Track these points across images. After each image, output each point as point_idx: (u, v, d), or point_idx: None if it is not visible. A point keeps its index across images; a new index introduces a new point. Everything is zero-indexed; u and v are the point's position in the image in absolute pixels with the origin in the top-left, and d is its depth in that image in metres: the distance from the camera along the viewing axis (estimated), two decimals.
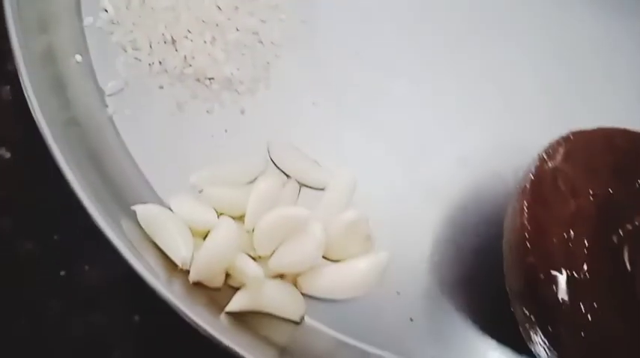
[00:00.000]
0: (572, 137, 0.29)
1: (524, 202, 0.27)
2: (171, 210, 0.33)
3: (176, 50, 0.36)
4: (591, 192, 0.28)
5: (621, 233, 0.28)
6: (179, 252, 0.31)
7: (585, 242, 0.27)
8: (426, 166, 0.36)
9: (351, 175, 0.35)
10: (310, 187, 0.35)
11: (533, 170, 0.28)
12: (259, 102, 0.37)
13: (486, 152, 0.37)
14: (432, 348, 0.33)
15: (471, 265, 0.35)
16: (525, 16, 0.40)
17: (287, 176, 0.35)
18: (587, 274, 0.27)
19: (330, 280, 0.33)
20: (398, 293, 0.34)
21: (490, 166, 0.36)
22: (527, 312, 0.26)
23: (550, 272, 0.26)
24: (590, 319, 0.26)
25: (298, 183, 0.35)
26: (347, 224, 0.33)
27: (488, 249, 0.34)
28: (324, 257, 0.33)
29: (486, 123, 0.37)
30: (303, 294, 0.33)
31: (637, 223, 0.29)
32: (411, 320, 0.34)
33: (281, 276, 0.33)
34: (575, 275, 0.26)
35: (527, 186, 0.27)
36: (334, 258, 0.33)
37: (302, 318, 0.33)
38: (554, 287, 0.25)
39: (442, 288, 0.34)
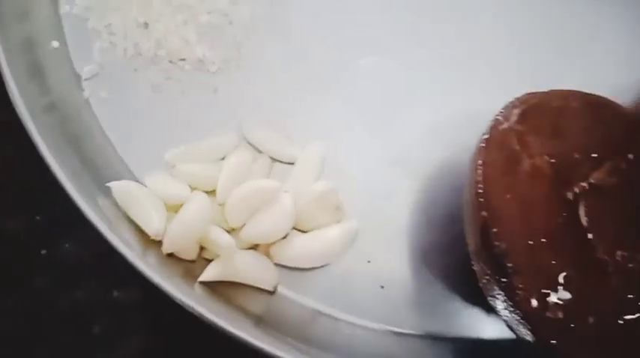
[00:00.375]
0: (527, 98, 0.30)
1: (478, 161, 0.28)
2: (146, 187, 0.34)
3: (149, 34, 0.37)
4: (546, 152, 0.29)
5: (576, 190, 0.29)
6: (152, 224, 0.32)
7: (540, 198, 0.28)
8: (397, 137, 0.37)
9: (320, 148, 0.35)
10: (282, 162, 0.36)
11: (488, 130, 0.29)
12: (231, 81, 0.38)
13: (457, 122, 0.37)
14: (403, 314, 0.34)
15: (441, 233, 0.36)
16: None
17: (259, 151, 0.36)
18: (541, 228, 0.27)
19: (302, 250, 0.34)
20: (369, 261, 0.35)
21: (461, 136, 0.37)
22: (483, 266, 0.27)
23: (503, 226, 0.26)
24: (544, 271, 0.27)
25: (270, 157, 0.36)
26: (317, 195, 0.34)
27: (458, 217, 0.34)
28: (295, 227, 0.34)
29: (457, 95, 0.38)
30: (276, 264, 0.34)
31: (592, 181, 0.29)
32: (382, 287, 0.34)
33: (254, 248, 0.34)
34: (529, 229, 0.27)
35: (482, 145, 0.28)
36: (305, 228, 0.34)
37: (275, 288, 0.34)
38: (506, 240, 0.26)
39: (412, 256, 0.35)
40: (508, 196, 0.27)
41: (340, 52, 0.38)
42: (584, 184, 0.29)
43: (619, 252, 0.28)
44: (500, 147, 0.28)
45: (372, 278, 0.35)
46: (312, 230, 0.34)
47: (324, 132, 0.37)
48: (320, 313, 0.34)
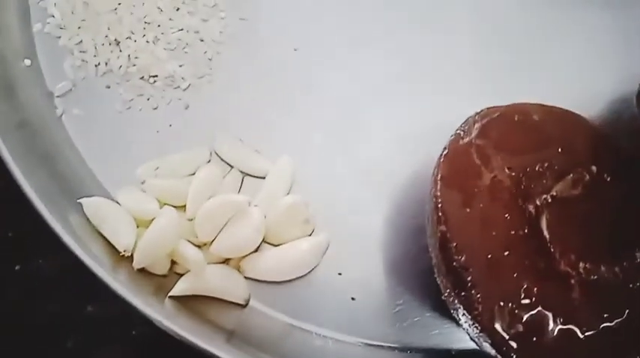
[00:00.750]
0: (488, 112, 0.30)
1: (438, 175, 0.28)
2: (118, 202, 0.34)
3: (120, 51, 0.38)
4: (507, 165, 0.30)
5: (538, 203, 0.29)
6: (122, 240, 0.32)
7: (501, 212, 0.28)
8: (364, 150, 0.37)
9: (289, 162, 0.36)
10: (252, 176, 0.36)
11: (447, 145, 0.29)
12: (202, 97, 0.38)
13: (426, 134, 0.37)
14: (375, 326, 0.34)
15: (411, 244, 0.36)
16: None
17: (230, 166, 0.36)
18: (502, 242, 0.28)
19: (272, 263, 0.34)
20: (340, 273, 0.35)
21: (429, 148, 0.37)
22: (443, 280, 0.28)
23: (462, 240, 0.27)
24: (504, 285, 0.27)
25: (240, 172, 0.36)
26: (286, 208, 0.34)
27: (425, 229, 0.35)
28: (266, 241, 0.34)
29: (425, 107, 0.38)
30: (247, 278, 0.34)
31: (554, 193, 0.30)
32: (353, 299, 0.35)
33: (225, 261, 0.34)
34: (489, 242, 0.27)
35: (442, 159, 0.29)
36: (276, 242, 0.35)
37: (247, 301, 0.34)
38: (465, 254, 0.27)
39: (383, 267, 0.35)
40: (467, 210, 0.28)
41: (309, 67, 0.39)
42: (546, 197, 0.30)
43: (582, 264, 0.29)
44: (459, 161, 0.29)
45: (343, 290, 0.35)
46: (282, 243, 0.35)
47: (294, 146, 0.37)
48: (292, 326, 0.34)
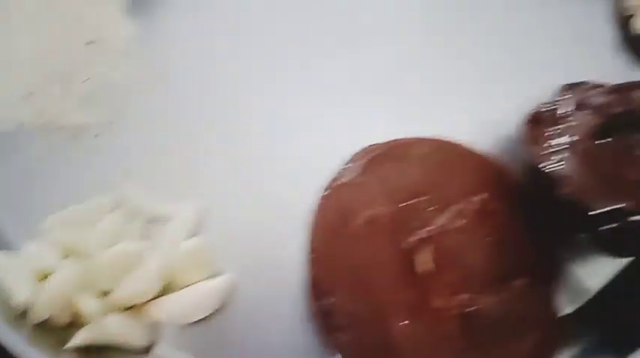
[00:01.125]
0: (370, 150, 0.31)
1: (314, 218, 0.28)
2: (20, 255, 0.34)
3: (29, 103, 0.38)
4: (385, 202, 0.30)
5: (416, 238, 0.30)
6: (19, 294, 0.32)
7: (374, 251, 0.29)
8: (274, 188, 0.37)
9: (192, 207, 0.36)
10: (157, 220, 0.36)
11: (328, 185, 0.29)
12: (110, 145, 0.39)
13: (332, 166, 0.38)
14: None
15: None
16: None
17: (135, 212, 0.37)
18: (375, 282, 0.28)
19: (175, 306, 0.34)
20: (250, 313, 0.35)
21: None
22: (316, 321, 0.28)
23: (330, 282, 0.27)
24: (374, 325, 0.27)
25: (146, 217, 0.36)
26: (186, 252, 0.35)
27: None
28: (170, 285, 0.35)
29: (334, 138, 0.38)
30: (154, 322, 0.34)
31: (434, 226, 0.30)
32: (262, 338, 0.35)
33: (133, 307, 0.34)
34: (360, 283, 0.28)
35: (320, 201, 0.29)
36: (179, 285, 0.35)
37: (150, 347, 0.34)
38: (334, 296, 0.27)
39: (294, 305, 0.35)
40: (339, 251, 0.28)
41: (218, 112, 0.40)
42: (426, 231, 0.30)
43: (460, 296, 0.29)
44: (335, 203, 0.29)
45: (253, 330, 0.35)
46: (185, 285, 0.35)
47: (202, 189, 0.38)
48: None
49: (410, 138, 0.32)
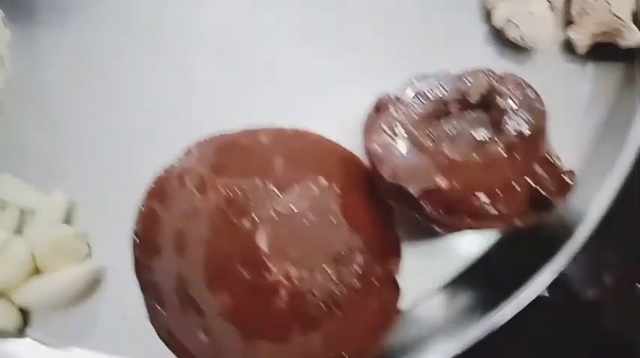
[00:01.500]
0: (204, 141, 0.32)
1: (143, 200, 0.30)
2: None
3: None
4: (224, 187, 0.31)
5: (257, 219, 0.31)
6: None
7: (209, 231, 0.30)
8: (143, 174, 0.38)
9: (61, 195, 0.38)
10: (27, 210, 0.38)
11: (161, 172, 0.31)
12: None
13: None
14: (151, 345, 0.36)
15: None
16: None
17: (6, 201, 0.38)
18: (206, 259, 0.29)
19: (44, 290, 0.36)
20: (118, 296, 0.36)
21: None
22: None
23: (150, 258, 0.28)
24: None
25: (18, 207, 0.38)
26: (54, 239, 0.36)
27: None
28: (38, 270, 0.36)
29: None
30: (23, 308, 0.36)
31: (276, 208, 0.32)
32: (124, 319, 0.36)
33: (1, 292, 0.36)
34: (191, 261, 0.29)
35: (152, 186, 0.30)
36: (48, 271, 0.36)
37: (21, 331, 0.35)
38: (156, 273, 0.28)
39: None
40: (168, 231, 0.29)
41: (93, 109, 0.41)
42: (267, 212, 0.31)
43: (294, 271, 0.30)
44: (170, 185, 0.30)
45: (121, 312, 0.36)
46: (53, 271, 0.36)
47: (71, 178, 0.39)
48: (71, 352, 0.36)
49: (256, 128, 0.34)
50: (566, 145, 0.37)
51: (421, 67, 0.38)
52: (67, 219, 0.38)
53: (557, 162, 0.32)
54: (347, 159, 0.34)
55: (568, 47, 0.40)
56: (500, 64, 0.40)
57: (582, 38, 0.39)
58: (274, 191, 0.32)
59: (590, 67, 0.40)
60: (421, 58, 0.40)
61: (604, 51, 0.40)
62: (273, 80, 0.40)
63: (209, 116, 0.38)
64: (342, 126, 0.37)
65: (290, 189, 0.32)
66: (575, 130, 0.39)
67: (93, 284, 0.37)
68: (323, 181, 0.33)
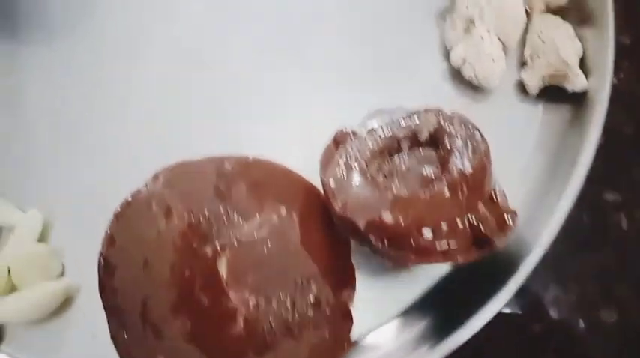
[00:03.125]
0: (171, 167, 0.34)
1: (110, 224, 0.32)
2: None
3: None
4: (187, 212, 0.33)
5: (217, 245, 0.33)
6: None
7: (170, 256, 0.32)
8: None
9: (37, 213, 0.40)
10: (6, 227, 0.40)
11: (128, 196, 0.33)
12: None
13: None
14: None
15: None
16: None
17: None
18: (165, 283, 0.31)
19: (16, 306, 0.38)
20: (90, 313, 0.38)
21: None
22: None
23: (113, 281, 0.31)
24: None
25: None
26: (30, 255, 0.38)
27: None
28: (12, 286, 0.38)
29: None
30: None
31: (237, 236, 0.34)
32: (94, 336, 0.38)
33: None
34: (150, 284, 0.31)
35: (119, 209, 0.32)
36: (22, 287, 0.38)
37: None
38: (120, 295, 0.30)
39: None
40: (131, 253, 0.31)
41: (71, 122, 0.43)
42: (227, 239, 0.33)
43: (251, 298, 0.32)
44: (137, 210, 0.32)
45: (85, 328, 0.38)
46: (26, 287, 0.38)
47: (48, 196, 0.41)
48: None
49: (220, 156, 0.36)
50: (514, 181, 0.40)
51: (382, 100, 0.41)
52: (42, 237, 0.40)
53: (502, 200, 0.34)
54: (307, 189, 0.37)
55: (521, 88, 0.43)
56: (458, 101, 0.43)
57: (533, 80, 0.42)
58: (236, 219, 0.34)
59: (540, 108, 0.43)
60: (383, 91, 0.42)
61: (554, 92, 0.42)
62: (239, 109, 0.43)
63: (178, 141, 0.40)
64: (303, 157, 0.39)
65: (251, 218, 0.35)
66: (523, 167, 0.42)
67: (65, 301, 0.39)
68: (283, 211, 0.35)
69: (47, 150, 0.42)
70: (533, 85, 0.42)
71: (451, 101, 0.43)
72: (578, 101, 0.41)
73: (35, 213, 0.40)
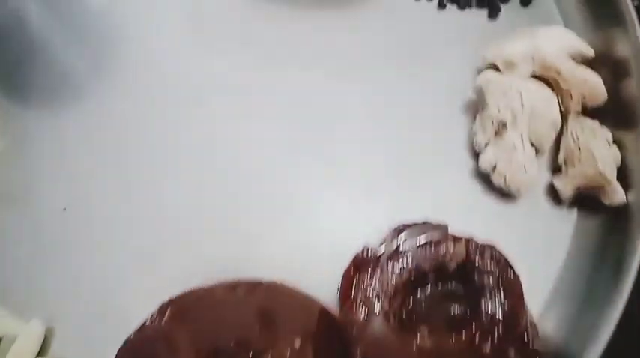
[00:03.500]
0: (184, 295, 0.32)
1: None
2: None
3: None
4: (196, 346, 0.31)
5: None
6: None
7: None
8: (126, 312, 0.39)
9: (39, 324, 0.38)
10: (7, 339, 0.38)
11: (130, 336, 0.31)
12: None
13: None
14: None
15: None
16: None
17: None
18: None
19: None
20: None
21: None
22: None
23: None
24: None
25: None
26: None
27: None
28: None
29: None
30: None
31: None
32: None
33: None
34: None
35: (124, 347, 0.30)
36: None
37: None
38: None
39: None
40: None
41: (75, 227, 0.41)
42: None
43: None
44: (142, 350, 0.30)
45: None
46: None
47: (49, 307, 0.39)
48: None
49: (229, 282, 0.34)
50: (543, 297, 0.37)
51: (405, 203, 0.39)
52: (43, 348, 0.38)
53: (535, 342, 0.32)
54: (323, 316, 0.34)
55: (553, 191, 0.40)
56: (485, 204, 0.41)
57: (567, 189, 0.39)
58: (249, 351, 0.32)
59: (573, 216, 0.40)
60: (406, 195, 0.40)
61: (589, 201, 0.39)
62: (251, 223, 0.41)
63: (190, 261, 0.38)
64: (318, 273, 0.36)
65: (264, 354, 0.32)
66: (556, 281, 0.39)
67: None
68: (297, 343, 0.33)
69: (48, 258, 0.41)
70: (567, 193, 0.39)
71: (476, 203, 0.41)
72: (615, 212, 0.39)
73: (37, 323, 0.38)
